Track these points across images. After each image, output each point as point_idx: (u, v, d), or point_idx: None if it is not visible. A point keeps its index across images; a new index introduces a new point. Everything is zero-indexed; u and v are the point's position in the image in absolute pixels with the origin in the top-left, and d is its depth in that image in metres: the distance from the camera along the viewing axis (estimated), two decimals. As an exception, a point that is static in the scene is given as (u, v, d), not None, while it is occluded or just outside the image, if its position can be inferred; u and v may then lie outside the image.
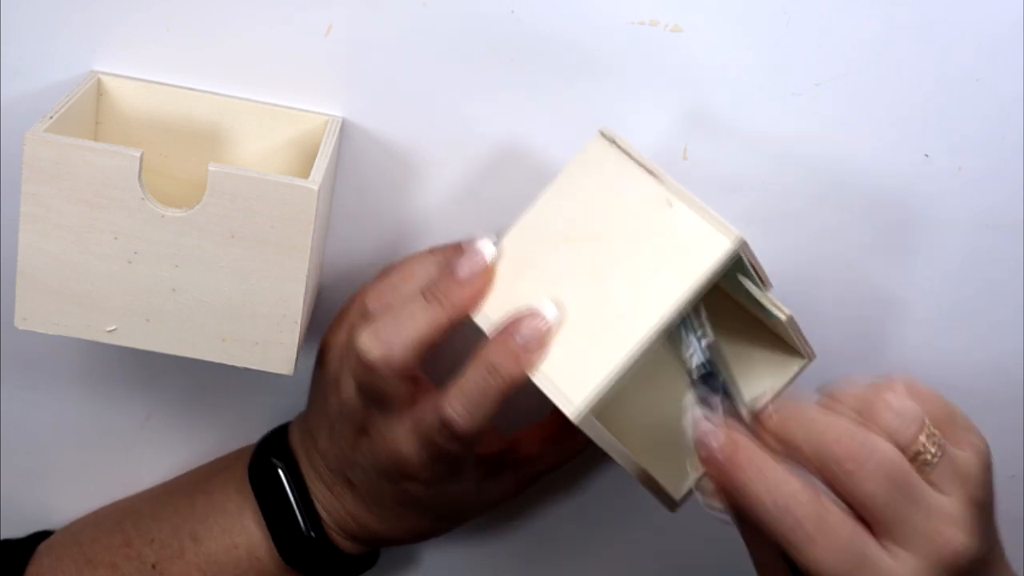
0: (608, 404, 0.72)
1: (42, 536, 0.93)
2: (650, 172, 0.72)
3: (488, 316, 0.73)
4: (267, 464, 0.85)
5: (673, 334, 0.72)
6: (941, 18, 0.79)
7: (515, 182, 0.84)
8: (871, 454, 0.62)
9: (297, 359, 0.77)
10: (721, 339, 0.77)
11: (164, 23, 0.80)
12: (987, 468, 0.66)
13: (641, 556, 0.98)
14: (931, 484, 0.63)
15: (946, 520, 0.63)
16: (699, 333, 0.71)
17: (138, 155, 0.73)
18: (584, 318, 0.71)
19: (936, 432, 0.64)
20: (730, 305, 0.81)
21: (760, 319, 0.79)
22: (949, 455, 0.64)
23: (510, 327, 0.70)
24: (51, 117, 0.75)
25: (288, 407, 0.89)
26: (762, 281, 0.72)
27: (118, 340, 0.77)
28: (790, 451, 0.63)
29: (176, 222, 0.74)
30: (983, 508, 0.65)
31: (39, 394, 0.93)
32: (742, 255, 0.69)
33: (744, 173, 0.82)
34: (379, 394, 0.75)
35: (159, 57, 0.82)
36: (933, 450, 0.63)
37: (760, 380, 0.79)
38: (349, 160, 0.85)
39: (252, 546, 0.85)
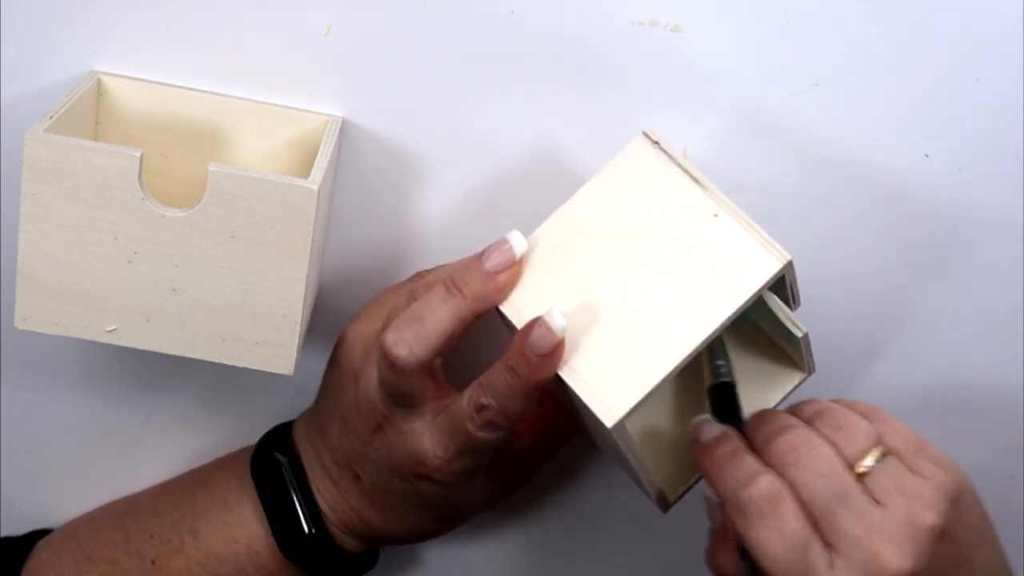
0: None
1: (41, 534, 0.92)
2: (695, 180, 0.73)
3: (517, 307, 0.73)
4: (269, 458, 0.85)
5: None
6: (941, 18, 0.79)
7: (515, 182, 0.85)
8: (810, 452, 0.67)
9: (297, 359, 0.77)
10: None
11: (164, 23, 0.81)
12: (945, 497, 0.67)
13: (638, 555, 0.98)
14: (873, 498, 0.66)
15: (878, 533, 0.65)
16: (723, 359, 0.75)
17: (138, 155, 0.73)
18: (622, 323, 0.71)
19: (891, 455, 0.67)
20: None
21: (764, 330, 0.79)
22: (896, 474, 0.67)
23: (522, 332, 0.70)
24: (51, 117, 0.75)
25: (288, 407, 0.90)
26: (794, 300, 0.73)
27: (118, 340, 0.77)
28: (756, 450, 0.69)
29: (176, 222, 0.74)
30: (928, 530, 0.66)
31: (39, 394, 0.93)
32: (786, 276, 0.70)
33: (744, 173, 0.82)
34: (402, 391, 0.75)
35: (159, 57, 0.82)
36: (875, 463, 0.67)
37: (758, 393, 0.80)
38: (349, 160, 0.85)
39: (252, 540, 0.84)
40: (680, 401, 0.82)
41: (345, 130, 0.84)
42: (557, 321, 0.69)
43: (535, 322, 0.69)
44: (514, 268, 0.73)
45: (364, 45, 0.81)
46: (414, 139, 0.84)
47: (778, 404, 0.79)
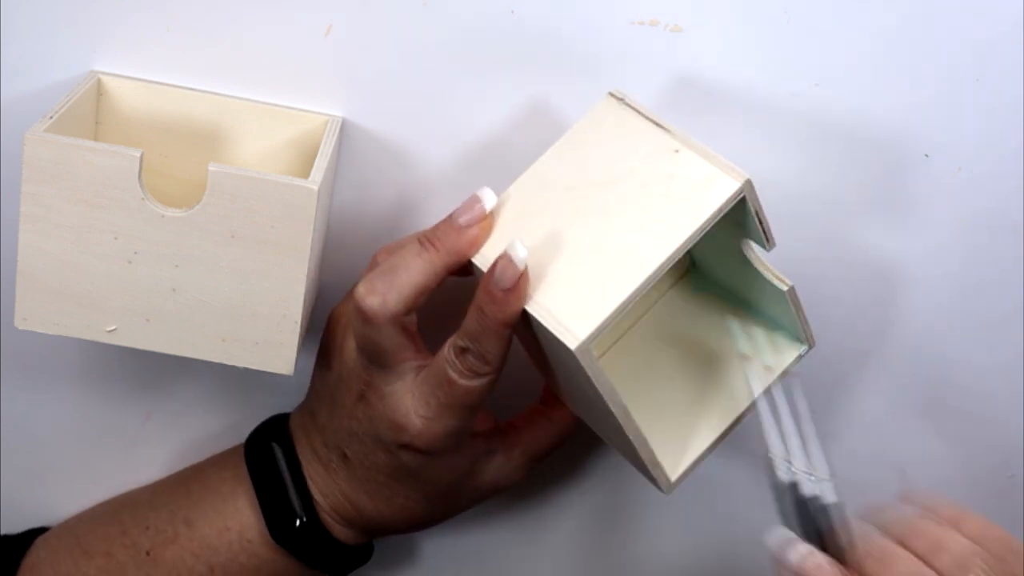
0: (622, 378, 0.74)
1: (38, 532, 0.92)
2: (658, 124, 0.73)
3: (487, 258, 0.73)
4: (264, 445, 0.85)
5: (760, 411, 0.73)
6: (941, 18, 0.79)
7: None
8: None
9: (297, 359, 0.77)
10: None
11: (164, 23, 0.81)
12: None
13: (639, 550, 0.98)
14: None
15: None
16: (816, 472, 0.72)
17: (138, 155, 0.73)
18: (587, 257, 0.72)
19: (988, 565, 0.65)
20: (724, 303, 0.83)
21: (759, 306, 0.80)
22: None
23: (488, 271, 0.71)
24: (51, 117, 0.75)
25: (288, 407, 0.89)
26: (766, 237, 0.72)
27: (118, 340, 0.77)
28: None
29: (176, 222, 0.74)
30: None
31: (39, 394, 0.93)
32: (748, 199, 0.69)
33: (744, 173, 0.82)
34: (376, 346, 0.76)
35: (159, 57, 0.82)
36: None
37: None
38: (349, 160, 0.85)
39: (244, 528, 0.84)
40: (683, 373, 0.82)
41: (345, 130, 0.84)
42: (519, 253, 0.69)
43: (498, 258, 0.70)
44: (485, 222, 0.74)
45: (364, 45, 0.81)
46: (414, 139, 0.84)
47: (779, 378, 0.78)
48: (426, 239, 0.74)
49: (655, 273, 0.68)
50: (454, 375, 0.74)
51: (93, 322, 0.77)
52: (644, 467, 0.77)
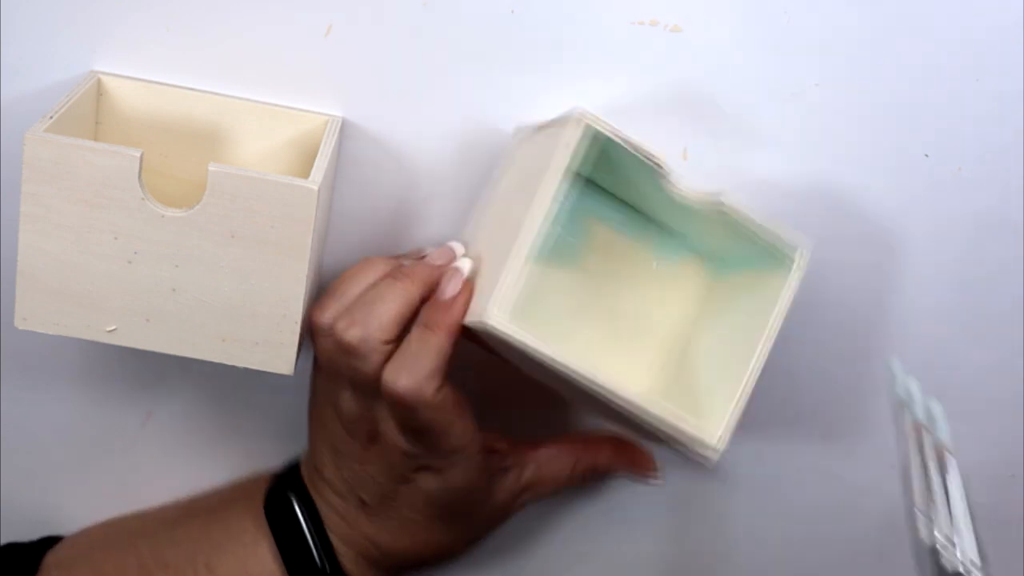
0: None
1: (49, 541, 0.92)
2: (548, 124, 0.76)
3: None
4: (282, 496, 0.85)
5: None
6: (941, 18, 0.79)
7: None
8: None
9: (297, 359, 0.77)
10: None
11: (164, 23, 0.81)
12: None
13: (634, 549, 0.99)
14: None
15: None
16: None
17: (138, 155, 0.73)
18: (494, 251, 0.75)
19: None
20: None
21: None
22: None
23: (436, 291, 0.76)
24: (51, 117, 0.75)
25: (288, 407, 0.90)
26: (657, 164, 0.73)
27: (118, 340, 0.77)
28: None
29: (176, 222, 0.74)
30: None
31: (39, 394, 0.93)
32: (598, 128, 0.72)
33: (744, 173, 0.83)
34: (367, 379, 0.76)
35: (159, 57, 0.82)
36: None
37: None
38: (349, 160, 0.85)
39: None
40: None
41: (345, 130, 0.84)
42: (464, 265, 0.76)
43: (445, 273, 0.76)
44: (468, 287, 0.76)
45: (364, 45, 0.81)
46: (414, 139, 0.84)
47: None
48: (398, 274, 0.78)
49: (536, 232, 0.71)
50: (401, 413, 0.76)
51: (93, 322, 0.77)
52: (675, 447, 0.76)
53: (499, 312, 0.71)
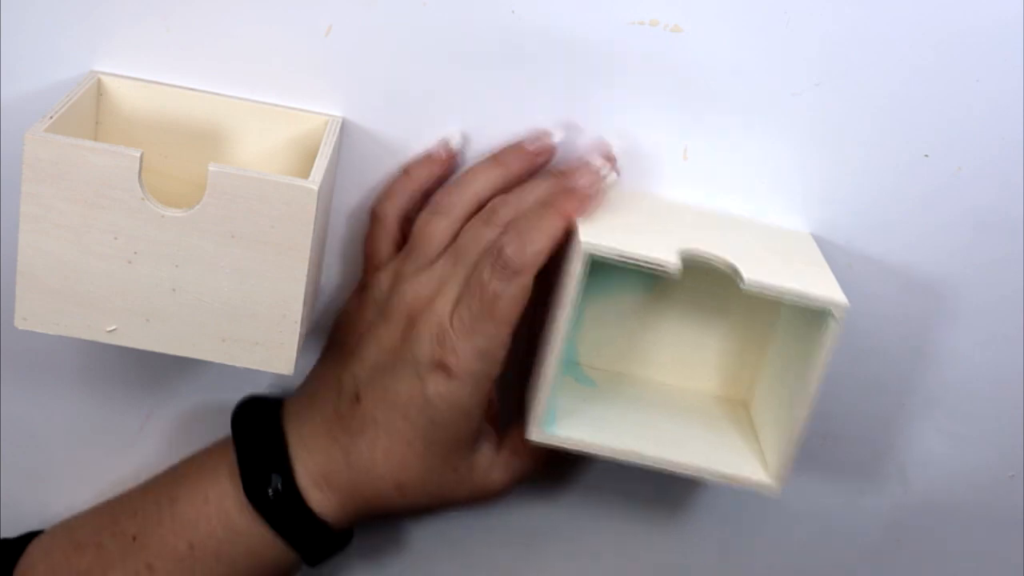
0: None
1: (36, 535, 0.91)
2: None
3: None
4: (249, 405, 0.86)
5: None
6: (941, 18, 0.79)
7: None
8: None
9: (297, 359, 0.77)
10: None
11: (164, 23, 0.81)
12: None
13: (630, 547, 0.99)
14: None
15: None
16: None
17: (138, 155, 0.73)
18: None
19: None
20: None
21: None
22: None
23: (572, 171, 0.78)
24: (51, 117, 0.75)
25: None
26: (664, 271, 0.74)
27: (118, 340, 0.77)
28: None
29: (176, 222, 0.74)
30: None
31: (39, 394, 0.93)
32: (601, 255, 0.73)
33: (744, 173, 0.83)
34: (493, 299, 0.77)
35: (159, 57, 0.82)
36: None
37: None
38: (349, 160, 0.85)
39: (221, 496, 0.83)
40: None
41: (345, 130, 0.84)
42: (603, 168, 0.78)
43: (584, 166, 0.79)
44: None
45: (364, 45, 0.81)
46: (414, 139, 0.84)
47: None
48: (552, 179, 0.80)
49: (556, 355, 0.76)
50: (487, 278, 0.76)
51: (93, 322, 0.77)
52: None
53: (539, 430, 0.78)
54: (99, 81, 0.83)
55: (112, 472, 0.96)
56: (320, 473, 0.82)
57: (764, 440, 0.82)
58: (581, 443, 0.79)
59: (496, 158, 0.81)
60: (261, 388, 0.92)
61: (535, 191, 0.79)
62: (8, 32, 0.81)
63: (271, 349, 0.78)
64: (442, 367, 0.78)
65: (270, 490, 0.81)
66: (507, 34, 0.80)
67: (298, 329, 0.77)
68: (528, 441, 0.81)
